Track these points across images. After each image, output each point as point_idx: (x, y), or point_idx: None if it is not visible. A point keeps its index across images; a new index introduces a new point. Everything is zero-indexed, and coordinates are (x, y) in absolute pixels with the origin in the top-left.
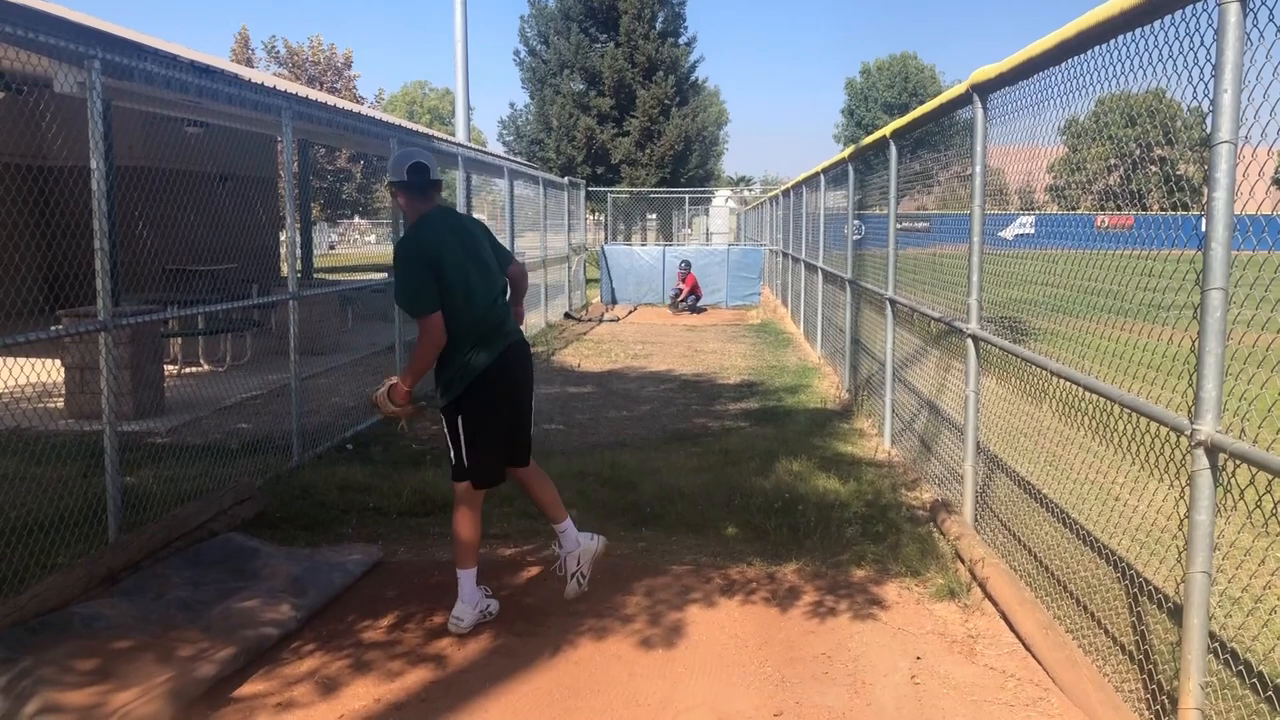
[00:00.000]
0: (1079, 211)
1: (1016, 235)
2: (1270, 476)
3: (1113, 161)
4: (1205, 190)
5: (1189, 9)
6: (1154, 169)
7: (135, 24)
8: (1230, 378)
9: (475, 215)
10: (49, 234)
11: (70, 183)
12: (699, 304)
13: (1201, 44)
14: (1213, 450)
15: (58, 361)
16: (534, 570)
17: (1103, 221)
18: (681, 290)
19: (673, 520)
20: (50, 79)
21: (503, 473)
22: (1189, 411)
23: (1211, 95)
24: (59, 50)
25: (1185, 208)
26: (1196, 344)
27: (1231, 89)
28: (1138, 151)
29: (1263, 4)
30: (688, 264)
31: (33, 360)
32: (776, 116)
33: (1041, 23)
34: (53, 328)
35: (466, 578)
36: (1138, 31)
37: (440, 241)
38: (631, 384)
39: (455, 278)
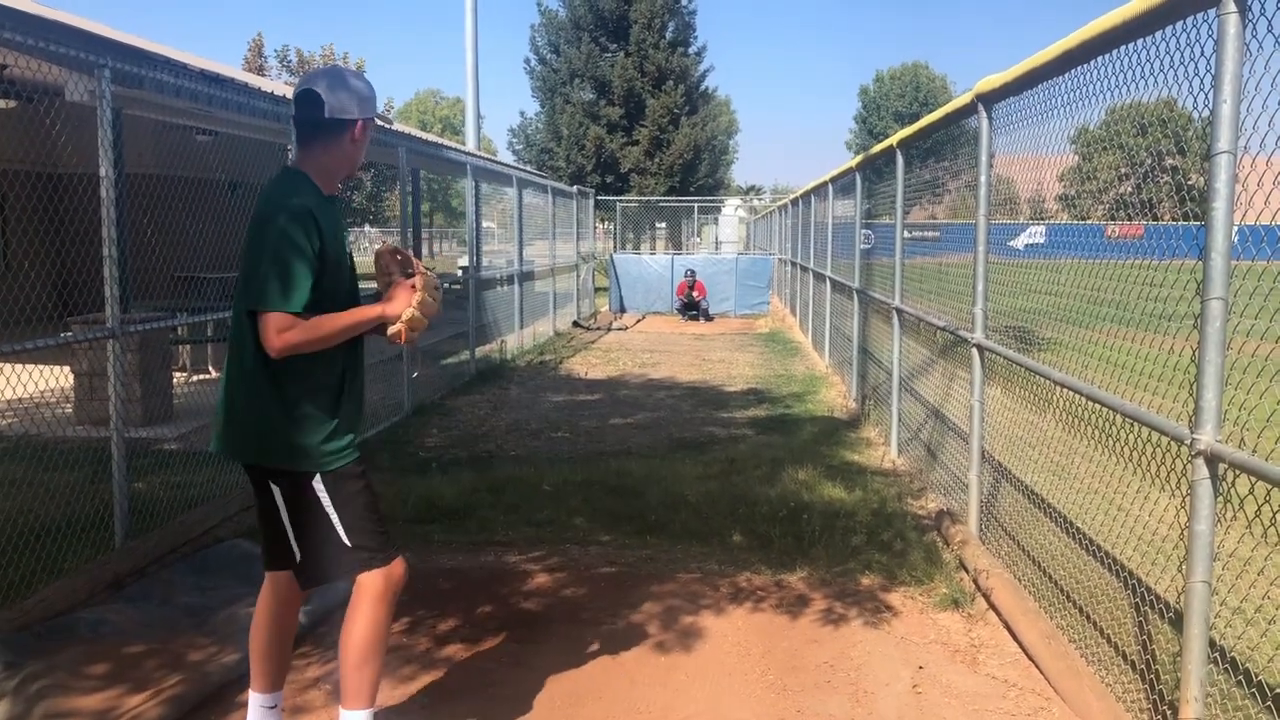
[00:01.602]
0: (1090, 221)
1: (1027, 245)
2: (1270, 486)
3: (1124, 170)
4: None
5: (1189, 19)
6: (1166, 179)
7: (152, 33)
8: (1231, 387)
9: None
10: (59, 241)
11: (80, 190)
12: (709, 312)
13: (1202, 54)
14: (1212, 460)
15: (68, 368)
16: (539, 578)
17: (1113, 231)
18: (694, 298)
19: (678, 528)
20: (61, 87)
21: (265, 555)
22: (1189, 421)
23: (1211, 105)
24: (70, 59)
25: (1198, 217)
26: (1197, 353)
27: (1231, 99)
28: (1149, 161)
29: (1262, 15)
30: (693, 272)
31: (42, 366)
32: (788, 125)
33: (1053, 34)
34: (62, 334)
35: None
36: (1140, 42)
37: None
38: (638, 392)
39: None
